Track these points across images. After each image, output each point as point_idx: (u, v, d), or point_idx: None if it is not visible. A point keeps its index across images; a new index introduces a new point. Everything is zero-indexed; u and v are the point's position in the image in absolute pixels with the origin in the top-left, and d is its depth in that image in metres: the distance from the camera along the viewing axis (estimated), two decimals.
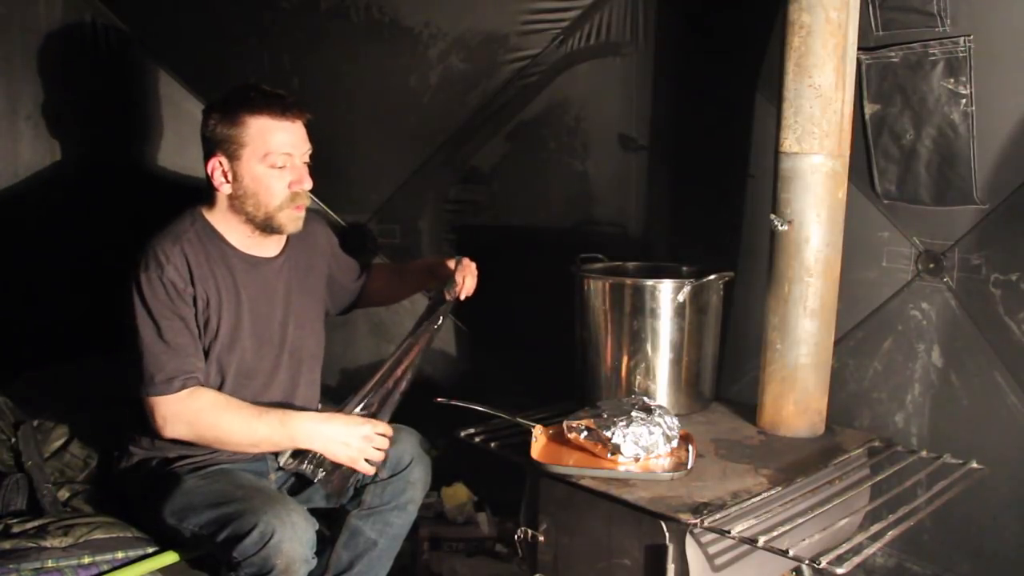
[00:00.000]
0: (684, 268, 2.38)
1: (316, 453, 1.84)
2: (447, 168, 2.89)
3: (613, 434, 1.84)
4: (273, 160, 1.86)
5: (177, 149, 2.79)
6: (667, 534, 1.65)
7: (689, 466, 1.80)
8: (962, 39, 2.00)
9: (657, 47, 2.71)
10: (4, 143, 2.58)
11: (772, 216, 2.06)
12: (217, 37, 2.78)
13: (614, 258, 2.45)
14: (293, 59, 2.77)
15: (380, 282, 2.29)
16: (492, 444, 2.02)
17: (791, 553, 1.53)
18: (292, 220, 1.92)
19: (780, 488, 1.78)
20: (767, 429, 2.13)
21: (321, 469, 1.85)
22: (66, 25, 2.66)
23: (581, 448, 1.91)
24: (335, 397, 2.10)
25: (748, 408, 2.23)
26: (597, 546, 1.79)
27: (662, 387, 2.22)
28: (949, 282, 2.18)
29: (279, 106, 1.86)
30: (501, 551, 2.61)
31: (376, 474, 1.95)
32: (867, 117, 2.20)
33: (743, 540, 1.57)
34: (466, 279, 2.05)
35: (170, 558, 1.84)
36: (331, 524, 2.03)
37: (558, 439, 1.97)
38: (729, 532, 1.57)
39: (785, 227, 2.03)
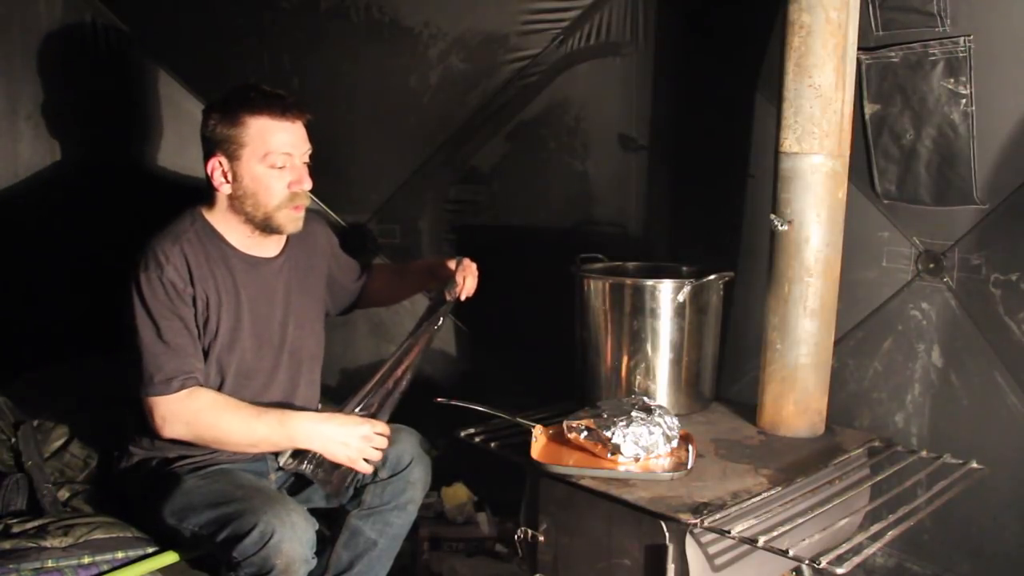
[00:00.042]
0: (684, 268, 2.38)
1: (315, 453, 1.83)
2: (447, 168, 2.89)
3: (613, 434, 1.84)
4: (273, 160, 1.86)
5: (177, 149, 2.79)
6: (667, 534, 1.65)
7: (689, 466, 1.80)
8: (962, 39, 2.00)
9: (657, 47, 2.70)
10: (4, 143, 2.58)
11: (772, 216, 2.05)
12: (217, 37, 2.78)
13: (614, 258, 2.45)
14: (293, 59, 2.77)
15: (380, 282, 2.29)
16: (492, 444, 2.02)
17: (791, 553, 1.53)
18: (291, 220, 1.92)
19: (780, 488, 1.78)
20: (767, 429, 2.13)
21: (320, 469, 1.84)
22: (66, 25, 2.66)
23: (581, 448, 1.91)
24: (335, 397, 2.10)
25: (748, 408, 2.23)
26: (597, 546, 1.78)
27: (662, 387, 2.22)
28: (949, 282, 2.18)
29: (279, 106, 1.86)
30: (501, 551, 2.61)
31: (375, 474, 1.95)
32: (867, 117, 2.20)
33: (743, 540, 1.57)
34: (466, 279, 2.05)
35: (170, 558, 1.84)
36: (331, 524, 2.03)
37: (558, 439, 1.97)
38: (729, 532, 1.57)
39: (785, 227, 2.03)
